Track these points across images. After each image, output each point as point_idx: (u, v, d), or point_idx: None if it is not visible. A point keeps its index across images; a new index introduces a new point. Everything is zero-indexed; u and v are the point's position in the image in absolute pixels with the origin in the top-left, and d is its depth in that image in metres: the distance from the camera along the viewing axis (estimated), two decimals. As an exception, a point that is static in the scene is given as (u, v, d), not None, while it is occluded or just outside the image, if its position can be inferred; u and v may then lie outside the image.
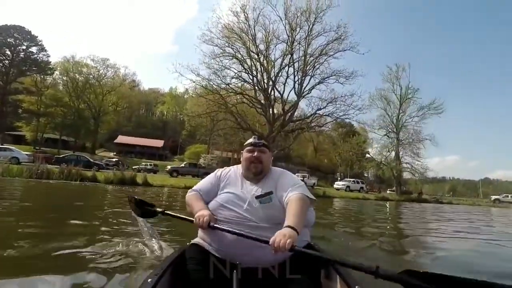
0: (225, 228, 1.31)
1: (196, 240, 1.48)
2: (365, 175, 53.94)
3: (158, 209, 1.70)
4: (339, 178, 43.66)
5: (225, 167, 1.68)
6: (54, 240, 2.89)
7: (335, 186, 32.01)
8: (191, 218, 1.41)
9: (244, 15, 20.50)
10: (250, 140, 1.60)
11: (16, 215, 4.34)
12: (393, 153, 36.20)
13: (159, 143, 57.73)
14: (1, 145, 21.81)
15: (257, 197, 1.41)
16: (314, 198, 1.45)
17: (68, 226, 3.84)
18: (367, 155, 41.55)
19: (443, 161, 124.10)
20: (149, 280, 1.13)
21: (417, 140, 34.88)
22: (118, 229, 3.72)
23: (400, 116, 35.89)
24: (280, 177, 1.53)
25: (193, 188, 1.62)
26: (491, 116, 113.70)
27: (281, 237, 1.13)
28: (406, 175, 38.09)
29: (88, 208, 5.85)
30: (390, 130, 35.98)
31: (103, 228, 3.68)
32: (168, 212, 1.62)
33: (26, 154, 17.11)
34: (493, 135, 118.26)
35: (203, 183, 1.61)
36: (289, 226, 1.20)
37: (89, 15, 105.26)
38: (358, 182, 32.23)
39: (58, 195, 7.87)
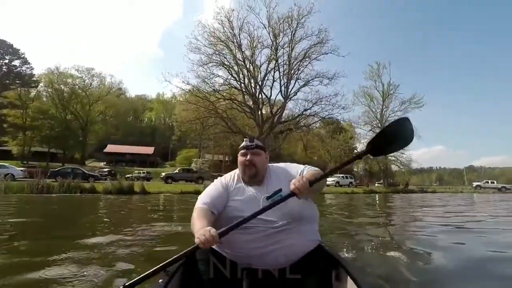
0: (234, 224, 1.22)
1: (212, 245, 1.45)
2: (355, 169, 55.34)
3: None
4: (329, 174, 44.72)
5: (224, 175, 1.63)
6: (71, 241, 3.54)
7: (325, 182, 33.04)
8: (190, 249, 1.17)
9: (229, 23, 21.25)
10: (243, 144, 1.56)
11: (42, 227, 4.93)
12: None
13: (149, 150, 57.56)
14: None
15: (268, 198, 1.40)
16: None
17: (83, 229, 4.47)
18: (355, 151, 43.06)
19: (430, 152, 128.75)
20: (160, 280, 1.14)
21: (401, 133, 36.53)
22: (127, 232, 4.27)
23: (383, 112, 37.53)
24: (283, 170, 1.56)
25: (199, 201, 1.46)
26: (474, 105, 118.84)
27: (295, 181, 1.26)
28: (394, 167, 39.89)
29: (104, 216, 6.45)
30: (374, 125, 37.50)
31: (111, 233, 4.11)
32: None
33: (21, 170, 17.30)
34: (477, 124, 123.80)
35: (210, 192, 1.49)
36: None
37: (73, 21, 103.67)
38: (347, 177, 33.38)
39: (72, 208, 8.39)
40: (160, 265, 1.14)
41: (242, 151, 1.54)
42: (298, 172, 1.51)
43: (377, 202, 13.73)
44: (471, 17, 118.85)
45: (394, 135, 1.36)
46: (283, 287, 1.28)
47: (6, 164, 18.35)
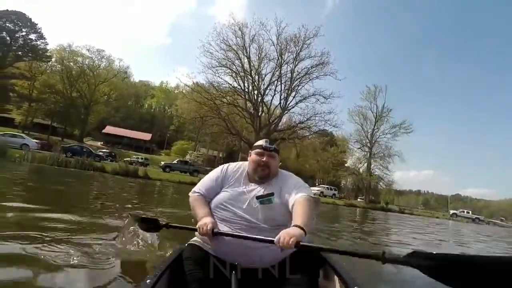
0: (229, 233, 1.33)
1: (194, 240, 1.48)
2: (344, 182, 57.32)
3: (162, 223, 1.69)
4: (317, 184, 46.85)
5: (232, 163, 1.66)
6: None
7: (310, 191, 34.99)
8: (194, 227, 1.41)
9: (242, 35, 23.16)
10: (261, 143, 1.55)
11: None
12: (365, 165, 40.12)
13: (147, 136, 58.64)
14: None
15: (257, 197, 1.42)
16: (319, 198, 1.59)
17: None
18: (346, 164, 45.32)
19: (420, 175, 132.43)
20: (147, 281, 1.14)
21: (388, 155, 38.93)
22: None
23: (374, 132, 39.82)
24: (285, 180, 1.54)
25: (195, 189, 1.59)
26: (466, 136, 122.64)
27: (285, 235, 1.15)
28: (380, 186, 42.14)
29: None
30: (364, 144, 39.84)
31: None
32: (172, 224, 1.63)
33: (36, 142, 18.85)
34: (467, 155, 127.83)
35: (206, 181, 1.59)
36: (296, 225, 1.21)
37: (86, 5, 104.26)
38: (331, 189, 35.57)
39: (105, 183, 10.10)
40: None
41: (258, 150, 1.52)
42: (293, 188, 1.45)
43: (357, 215, 15.80)
44: (467, 48, 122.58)
45: None
46: (270, 286, 1.29)
47: (23, 135, 19.91)
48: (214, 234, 1.33)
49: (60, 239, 2.50)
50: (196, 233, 1.47)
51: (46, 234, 2.58)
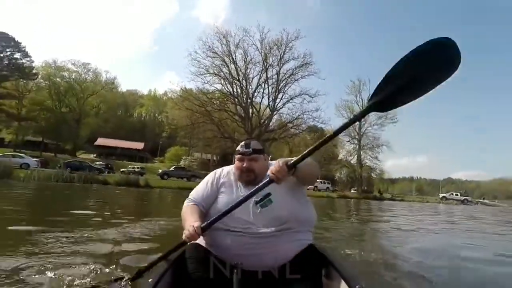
0: (215, 217, 1.30)
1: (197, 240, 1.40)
2: (338, 175, 58.67)
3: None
4: (311, 179, 47.79)
5: (221, 169, 1.60)
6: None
7: (305, 186, 36.17)
8: (181, 241, 1.33)
9: (226, 42, 24.12)
10: (239, 148, 1.47)
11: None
12: (356, 156, 41.62)
13: (139, 145, 58.77)
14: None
15: (256, 203, 1.36)
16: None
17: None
18: (339, 158, 46.78)
19: (413, 162, 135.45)
20: (149, 280, 1.15)
21: (376, 145, 40.54)
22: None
23: (361, 124, 41.28)
24: None
25: (189, 197, 1.52)
26: (456, 122, 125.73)
27: (274, 166, 1.25)
28: (372, 176, 43.59)
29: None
30: (353, 136, 41.32)
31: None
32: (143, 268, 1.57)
33: (35, 160, 19.33)
34: (457, 139, 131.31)
35: (201, 188, 1.53)
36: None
37: (70, 15, 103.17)
38: (325, 183, 36.77)
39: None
40: (157, 257, 1.44)
41: (238, 156, 1.46)
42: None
43: (352, 205, 16.88)
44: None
45: (418, 69, 1.04)
46: (272, 286, 1.29)
47: (22, 154, 20.33)
48: (204, 229, 1.30)
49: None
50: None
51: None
